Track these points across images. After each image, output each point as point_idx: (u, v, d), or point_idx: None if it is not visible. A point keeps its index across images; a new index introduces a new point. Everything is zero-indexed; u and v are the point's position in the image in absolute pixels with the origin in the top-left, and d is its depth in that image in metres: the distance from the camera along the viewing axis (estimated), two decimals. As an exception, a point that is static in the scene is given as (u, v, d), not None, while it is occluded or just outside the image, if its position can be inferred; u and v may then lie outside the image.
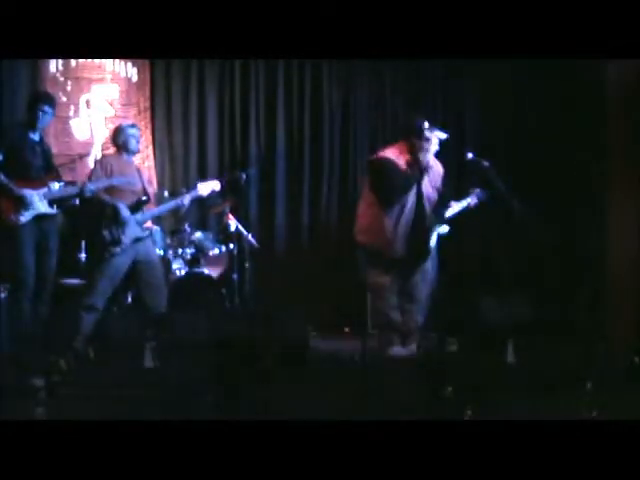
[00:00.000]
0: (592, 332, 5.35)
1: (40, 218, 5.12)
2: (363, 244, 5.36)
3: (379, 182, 5.27)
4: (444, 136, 5.43)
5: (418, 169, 5.24)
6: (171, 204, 5.66)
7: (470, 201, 5.67)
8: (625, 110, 5.53)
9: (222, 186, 5.89)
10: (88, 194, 5.25)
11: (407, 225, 5.22)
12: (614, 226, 5.71)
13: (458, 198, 5.64)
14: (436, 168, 5.40)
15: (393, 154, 5.27)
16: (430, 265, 5.50)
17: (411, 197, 5.24)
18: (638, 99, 5.42)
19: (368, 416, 3.28)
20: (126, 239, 5.27)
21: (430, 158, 5.27)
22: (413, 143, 5.24)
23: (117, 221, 5.26)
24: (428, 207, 5.31)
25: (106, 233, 5.25)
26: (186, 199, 5.57)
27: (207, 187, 5.70)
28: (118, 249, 5.24)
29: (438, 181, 5.39)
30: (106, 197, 5.32)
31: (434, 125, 5.34)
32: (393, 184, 5.18)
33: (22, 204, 5.04)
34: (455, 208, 5.57)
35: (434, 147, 5.30)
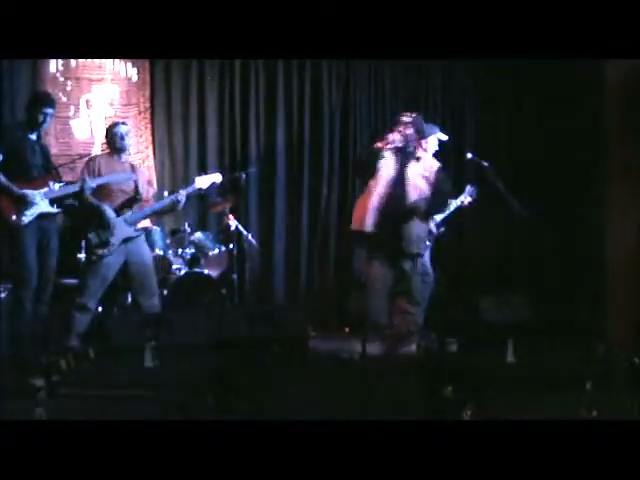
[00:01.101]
0: (592, 332, 5.35)
1: (41, 217, 5.11)
2: (352, 232, 5.34)
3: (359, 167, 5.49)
4: (445, 137, 5.46)
5: (394, 149, 5.20)
6: (166, 201, 5.63)
7: (463, 199, 5.69)
8: (625, 110, 5.53)
9: (222, 183, 5.88)
10: (88, 192, 5.25)
11: (379, 201, 5.14)
12: (614, 226, 5.70)
13: (455, 197, 5.67)
14: (428, 161, 5.34)
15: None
16: (430, 268, 5.51)
17: (386, 175, 5.17)
18: (638, 99, 5.41)
19: (368, 416, 3.28)
20: (114, 240, 5.27)
21: (410, 143, 5.24)
22: (390, 130, 5.31)
23: (103, 224, 5.25)
24: (413, 193, 5.19)
25: (92, 236, 5.25)
26: (182, 195, 5.53)
27: (207, 180, 5.65)
28: (105, 251, 5.24)
29: (431, 174, 5.27)
30: (92, 200, 5.30)
31: (421, 119, 5.39)
32: (361, 159, 5.35)
33: (24, 204, 5.04)
34: (450, 207, 5.60)
35: (422, 139, 5.36)
